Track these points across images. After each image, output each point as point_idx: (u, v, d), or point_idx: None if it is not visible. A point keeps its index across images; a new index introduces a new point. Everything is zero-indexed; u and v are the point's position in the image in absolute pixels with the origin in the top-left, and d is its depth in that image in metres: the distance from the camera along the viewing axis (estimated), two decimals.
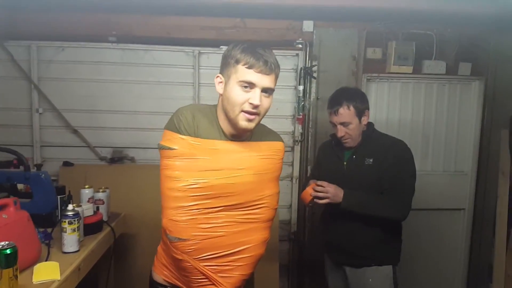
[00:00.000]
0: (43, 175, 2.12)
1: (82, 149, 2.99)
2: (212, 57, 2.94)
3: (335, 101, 1.95)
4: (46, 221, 2.05)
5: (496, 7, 2.65)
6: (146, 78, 2.95)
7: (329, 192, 1.87)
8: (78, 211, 1.84)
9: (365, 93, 2.94)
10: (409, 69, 3.00)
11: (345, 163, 2.01)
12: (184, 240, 1.31)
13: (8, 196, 2.10)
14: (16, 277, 1.30)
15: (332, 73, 2.96)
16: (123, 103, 2.97)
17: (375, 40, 2.97)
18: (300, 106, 2.98)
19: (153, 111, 2.95)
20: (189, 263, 1.34)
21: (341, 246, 2.05)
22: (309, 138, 3.03)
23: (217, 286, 1.36)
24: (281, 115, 3.05)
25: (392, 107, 3.15)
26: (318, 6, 2.65)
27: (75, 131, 2.95)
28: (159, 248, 1.51)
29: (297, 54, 3.00)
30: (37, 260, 1.61)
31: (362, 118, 1.96)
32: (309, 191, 1.93)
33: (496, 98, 3.13)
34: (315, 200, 1.92)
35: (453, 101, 3.20)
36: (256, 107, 1.26)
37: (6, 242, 1.28)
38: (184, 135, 1.29)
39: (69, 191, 2.21)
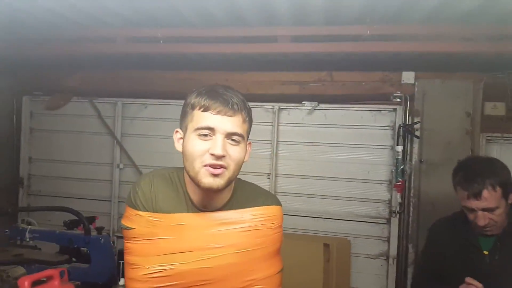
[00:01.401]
0: (102, 239, 2.01)
1: None
2: (293, 113, 2.70)
3: (474, 180, 1.45)
4: None
5: None
6: None
7: None
8: None
9: None
10: None
11: (485, 252, 1.50)
12: None
13: (69, 259, 2.02)
14: None
15: (439, 132, 2.55)
16: None
17: (495, 92, 2.56)
18: (399, 170, 2.55)
19: None
20: None
21: None
22: (411, 209, 2.58)
23: None
24: (374, 179, 2.69)
25: None
26: (420, 54, 2.31)
27: None
28: None
29: (395, 110, 2.65)
30: None
31: (509, 197, 1.47)
32: None
33: None
34: None
35: None
36: (219, 158, 0.96)
37: None
38: (142, 210, 1.04)
39: None
